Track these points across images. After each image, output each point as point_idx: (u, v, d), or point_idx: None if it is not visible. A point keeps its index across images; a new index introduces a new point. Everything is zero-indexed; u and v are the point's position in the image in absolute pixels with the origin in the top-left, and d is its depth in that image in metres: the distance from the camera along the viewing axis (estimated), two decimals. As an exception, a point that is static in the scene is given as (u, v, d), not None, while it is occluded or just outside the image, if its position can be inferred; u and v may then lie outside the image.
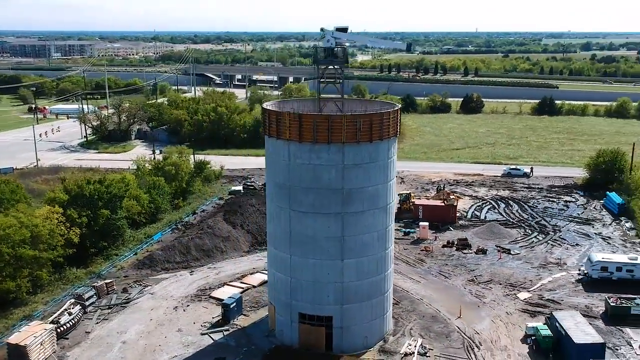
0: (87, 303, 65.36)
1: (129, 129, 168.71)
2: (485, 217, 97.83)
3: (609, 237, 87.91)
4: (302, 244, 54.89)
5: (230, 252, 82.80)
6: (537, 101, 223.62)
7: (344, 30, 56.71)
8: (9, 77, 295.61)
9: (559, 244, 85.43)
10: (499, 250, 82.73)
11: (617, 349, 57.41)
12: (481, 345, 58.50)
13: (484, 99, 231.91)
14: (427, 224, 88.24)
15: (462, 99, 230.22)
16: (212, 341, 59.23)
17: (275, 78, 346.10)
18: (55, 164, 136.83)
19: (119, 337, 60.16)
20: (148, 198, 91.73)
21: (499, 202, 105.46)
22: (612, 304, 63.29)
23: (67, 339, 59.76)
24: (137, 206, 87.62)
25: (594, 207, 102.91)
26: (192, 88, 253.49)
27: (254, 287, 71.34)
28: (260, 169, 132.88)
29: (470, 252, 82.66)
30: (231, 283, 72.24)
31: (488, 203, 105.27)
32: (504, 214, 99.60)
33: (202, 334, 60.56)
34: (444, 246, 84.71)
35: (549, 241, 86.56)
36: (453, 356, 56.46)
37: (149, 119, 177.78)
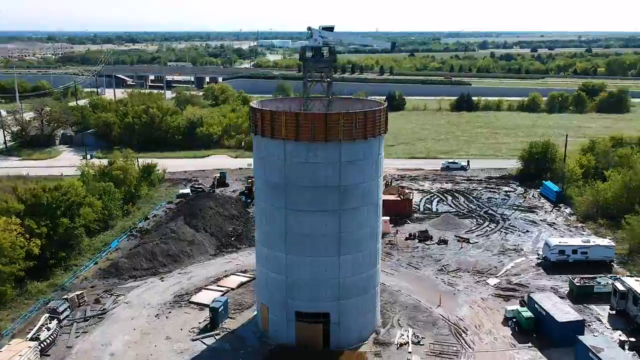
0: (62, 317, 62.07)
1: (52, 134, 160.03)
2: (437, 209, 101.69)
3: (554, 223, 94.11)
4: (298, 242, 55.00)
5: (197, 256, 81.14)
6: (455, 98, 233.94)
7: (330, 29, 57.53)
8: None
9: (511, 232, 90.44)
10: (458, 240, 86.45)
11: (590, 325, 61.85)
12: (467, 330, 61.19)
13: (404, 97, 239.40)
14: (387, 218, 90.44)
15: (384, 98, 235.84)
16: (206, 346, 58.10)
17: (192, 78, 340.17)
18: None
19: (105, 350, 57.65)
20: (101, 204, 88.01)
21: (446, 195, 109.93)
22: (577, 284, 68.10)
23: (49, 355, 56.57)
24: (93, 213, 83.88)
25: (533, 196, 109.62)
26: (113, 90, 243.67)
27: (232, 289, 70.41)
28: (203, 170, 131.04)
29: (432, 243, 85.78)
30: (208, 287, 70.94)
31: (436, 196, 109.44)
32: (452, 205, 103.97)
33: (193, 340, 59.22)
34: (406, 239, 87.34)
35: (501, 229, 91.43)
36: (445, 342, 58.71)
37: (73, 123, 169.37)
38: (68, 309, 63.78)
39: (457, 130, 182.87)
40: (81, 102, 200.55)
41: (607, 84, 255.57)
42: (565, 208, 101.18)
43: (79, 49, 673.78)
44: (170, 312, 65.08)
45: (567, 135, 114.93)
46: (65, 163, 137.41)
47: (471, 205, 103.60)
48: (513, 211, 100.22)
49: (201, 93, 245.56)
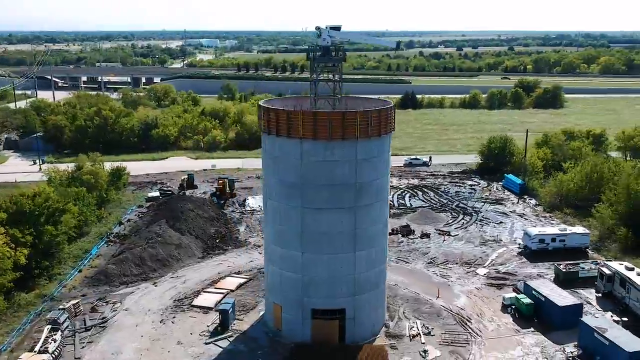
0: (63, 327, 59.74)
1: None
2: (411, 204, 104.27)
3: (524, 214, 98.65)
4: (315, 240, 55.42)
5: (186, 260, 79.80)
6: (400, 96, 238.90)
7: (337, 28, 58.28)
8: None
9: (486, 223, 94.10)
10: (440, 234, 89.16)
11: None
12: (471, 319, 63.52)
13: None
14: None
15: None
16: (221, 349, 57.56)
17: (129, 79, 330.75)
18: None
19: (117, 358, 56.09)
20: (78, 210, 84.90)
21: (416, 190, 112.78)
22: (563, 270, 71.96)
23: (59, 367, 54.52)
24: (72, 219, 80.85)
25: (496, 189, 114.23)
26: (52, 92, 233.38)
27: (232, 291, 69.86)
28: (166, 173, 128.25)
29: (415, 237, 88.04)
30: (208, 290, 70.05)
31: (406, 191, 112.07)
32: (424, 200, 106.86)
33: (206, 343, 58.51)
34: (390, 234, 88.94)
35: (476, 221, 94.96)
36: (453, 332, 60.77)
37: (16, 127, 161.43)
38: (68, 319, 61.43)
39: (407, 128, 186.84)
40: (20, 105, 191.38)
41: (541, 80, 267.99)
42: (530, 199, 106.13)
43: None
44: (174, 317, 63.90)
45: (527, 130, 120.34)
46: (13, 169, 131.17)
47: (442, 200, 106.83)
48: (482, 204, 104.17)
49: (142, 94, 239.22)
